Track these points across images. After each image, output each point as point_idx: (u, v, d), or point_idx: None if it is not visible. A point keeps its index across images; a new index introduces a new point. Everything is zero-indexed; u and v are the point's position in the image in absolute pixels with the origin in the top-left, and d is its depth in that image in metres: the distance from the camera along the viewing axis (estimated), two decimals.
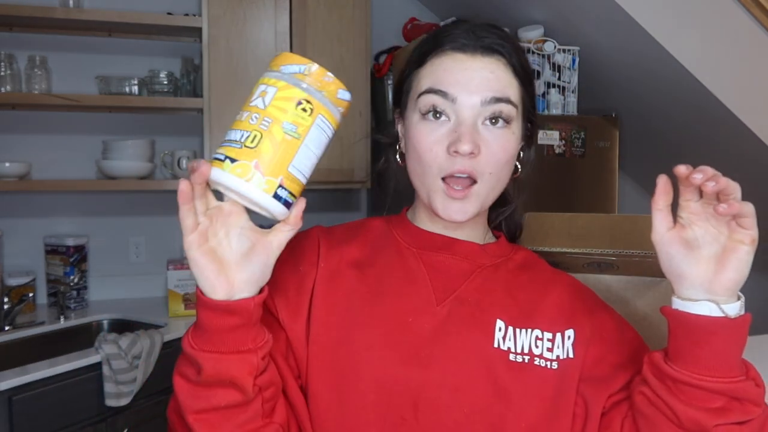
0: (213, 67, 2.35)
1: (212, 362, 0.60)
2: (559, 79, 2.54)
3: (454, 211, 0.73)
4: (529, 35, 2.51)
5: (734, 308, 0.64)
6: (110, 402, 1.82)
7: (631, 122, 2.80)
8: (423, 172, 0.74)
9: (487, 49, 0.73)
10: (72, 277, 2.34)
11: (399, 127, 0.82)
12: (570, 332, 0.75)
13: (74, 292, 2.36)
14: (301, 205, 0.64)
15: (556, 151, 2.42)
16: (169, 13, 2.41)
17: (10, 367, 1.68)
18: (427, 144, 0.72)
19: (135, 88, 2.42)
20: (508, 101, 0.72)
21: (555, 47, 2.49)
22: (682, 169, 0.64)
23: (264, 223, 0.64)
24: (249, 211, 0.63)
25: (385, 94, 2.62)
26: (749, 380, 0.63)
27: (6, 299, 2.13)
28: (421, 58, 0.76)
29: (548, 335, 0.75)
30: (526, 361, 0.73)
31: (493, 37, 0.74)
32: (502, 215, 0.89)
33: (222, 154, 0.59)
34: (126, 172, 2.33)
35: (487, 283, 0.78)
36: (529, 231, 1.39)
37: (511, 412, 0.71)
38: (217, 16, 2.34)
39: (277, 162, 0.59)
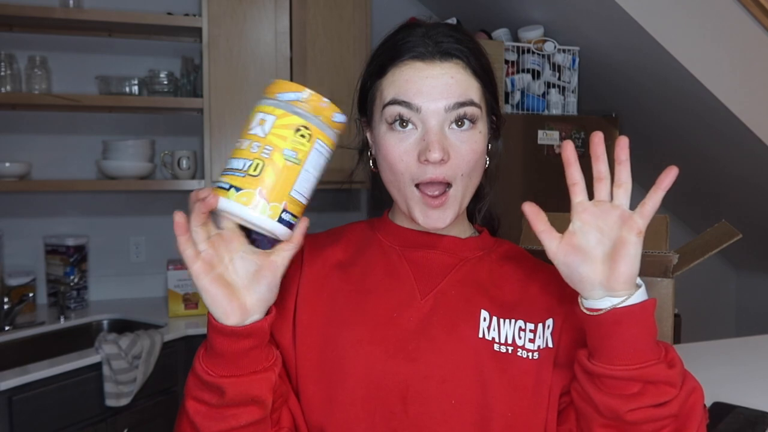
0: (213, 67, 2.35)
1: (235, 386, 0.63)
2: (559, 79, 2.54)
3: (434, 220, 0.75)
4: (529, 35, 2.51)
5: (634, 298, 0.65)
6: (110, 402, 1.82)
7: (631, 122, 2.80)
8: (397, 181, 0.75)
9: (446, 54, 0.74)
10: (72, 277, 2.34)
11: (367, 134, 0.84)
12: (549, 321, 0.77)
13: (74, 292, 2.36)
14: (303, 225, 0.66)
15: (556, 151, 2.42)
16: (169, 13, 2.41)
17: (10, 367, 1.68)
18: (398, 154, 0.74)
19: (135, 88, 2.42)
20: (471, 103, 0.74)
21: (555, 47, 2.48)
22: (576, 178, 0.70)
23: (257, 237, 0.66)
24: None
25: None
26: (661, 363, 0.64)
27: (6, 299, 2.13)
28: (381, 68, 0.77)
29: (530, 326, 0.77)
30: (510, 351, 0.75)
31: (450, 41, 0.75)
32: (481, 210, 0.91)
33: (226, 182, 0.61)
34: (126, 172, 2.33)
35: (470, 275, 0.80)
36: (529, 231, 1.39)
37: (496, 402, 0.72)
38: (217, 16, 2.35)
39: (280, 188, 0.62)
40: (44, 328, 2.12)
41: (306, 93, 0.63)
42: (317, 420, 0.73)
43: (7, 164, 2.20)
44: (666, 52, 2.17)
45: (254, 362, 0.64)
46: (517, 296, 0.79)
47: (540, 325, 0.77)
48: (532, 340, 0.76)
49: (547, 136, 2.40)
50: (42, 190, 2.42)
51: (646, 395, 0.64)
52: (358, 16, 2.54)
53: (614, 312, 0.64)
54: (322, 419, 0.73)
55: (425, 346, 0.74)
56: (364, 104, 0.82)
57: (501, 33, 2.55)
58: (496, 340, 0.75)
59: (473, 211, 0.91)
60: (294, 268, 0.79)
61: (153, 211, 2.61)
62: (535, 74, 2.50)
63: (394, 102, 0.73)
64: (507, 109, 2.47)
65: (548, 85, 2.52)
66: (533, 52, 2.49)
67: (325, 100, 0.64)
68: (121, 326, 2.23)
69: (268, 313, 0.65)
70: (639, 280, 0.67)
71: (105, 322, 2.29)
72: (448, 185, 0.74)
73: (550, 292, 0.80)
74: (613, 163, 0.71)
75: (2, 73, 2.24)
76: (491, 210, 0.94)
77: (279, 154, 0.62)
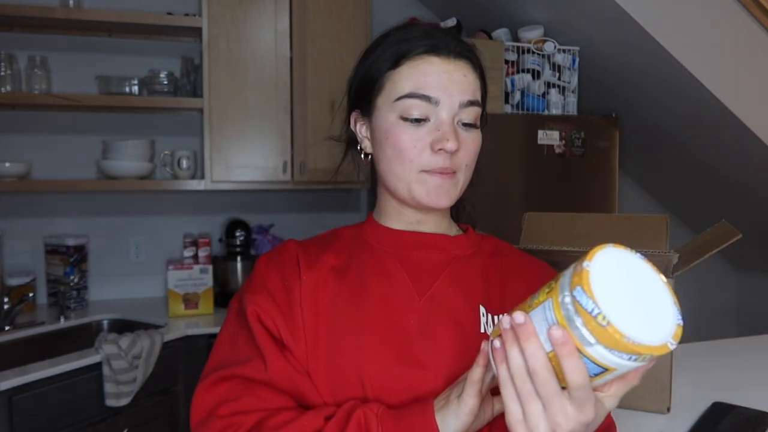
0: (213, 67, 2.35)
1: None
2: (559, 79, 2.54)
3: (438, 197, 0.76)
4: (529, 35, 2.51)
5: None
6: (110, 402, 1.82)
7: (631, 122, 2.80)
8: (402, 168, 0.76)
9: (458, 54, 0.77)
10: (72, 277, 2.34)
11: (358, 128, 0.83)
12: None
13: (74, 292, 2.36)
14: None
15: (556, 151, 2.42)
16: (169, 13, 2.41)
17: (10, 367, 1.68)
18: (410, 141, 0.75)
19: (135, 88, 2.42)
20: (478, 103, 0.78)
21: (555, 47, 2.48)
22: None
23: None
24: None
25: None
26: None
27: (6, 299, 2.13)
28: (393, 60, 0.77)
29: None
30: None
31: (458, 43, 0.78)
32: (464, 208, 0.92)
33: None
34: (126, 172, 2.33)
35: (464, 272, 0.80)
36: (529, 231, 1.39)
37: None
38: (217, 16, 2.35)
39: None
40: (44, 328, 2.12)
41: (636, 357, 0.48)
42: None
43: (7, 164, 2.20)
44: (666, 52, 2.17)
45: None
46: (506, 291, 0.80)
47: None
48: None
49: (547, 136, 2.40)
50: (42, 190, 2.42)
51: None
52: (358, 16, 2.55)
53: None
54: None
55: (430, 347, 0.74)
56: (360, 97, 0.81)
57: (501, 33, 2.55)
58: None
59: (456, 213, 0.91)
60: (294, 275, 0.79)
61: (153, 211, 2.61)
62: (535, 74, 2.50)
63: (413, 95, 0.75)
64: (507, 109, 2.47)
65: (548, 85, 2.52)
66: (533, 52, 2.49)
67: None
68: (121, 326, 2.23)
69: None
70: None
71: (105, 322, 2.29)
72: (453, 172, 0.77)
73: (537, 287, 0.80)
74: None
75: (2, 73, 2.24)
76: (471, 210, 0.95)
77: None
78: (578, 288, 0.48)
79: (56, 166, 2.43)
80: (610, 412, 0.66)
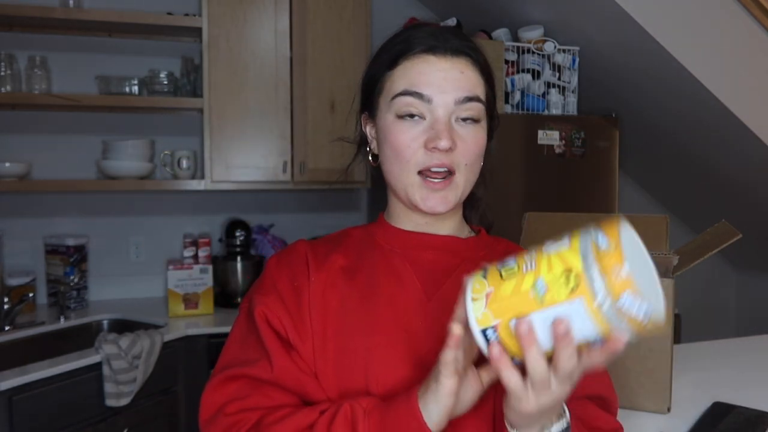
0: (213, 67, 2.35)
1: None
2: (559, 79, 2.54)
3: (435, 202, 0.76)
4: (529, 35, 2.51)
5: None
6: (110, 402, 1.82)
7: (631, 122, 2.80)
8: (400, 168, 0.77)
9: (456, 51, 0.76)
10: (72, 277, 2.34)
11: (368, 129, 0.84)
12: None
13: (74, 292, 2.36)
14: (494, 352, 0.57)
15: (556, 151, 2.42)
16: (169, 13, 2.41)
17: (10, 367, 1.68)
18: (405, 141, 0.75)
19: (135, 88, 2.42)
20: (478, 99, 0.77)
21: (555, 47, 2.48)
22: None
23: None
24: None
25: None
26: None
27: (6, 299, 2.13)
28: (392, 60, 0.78)
29: None
30: None
31: (458, 40, 0.78)
32: (477, 209, 0.93)
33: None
34: (126, 172, 2.33)
35: None
36: (529, 231, 1.39)
37: (498, 397, 0.71)
38: (217, 16, 2.35)
39: (505, 306, 0.54)
40: (44, 328, 2.12)
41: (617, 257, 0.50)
42: None
43: (7, 164, 2.20)
44: (666, 52, 2.17)
45: None
46: None
47: None
48: None
49: (547, 136, 2.40)
50: (42, 190, 2.42)
51: None
52: (358, 16, 2.55)
53: None
54: None
55: (437, 350, 0.72)
56: (367, 98, 0.83)
57: (501, 33, 2.55)
58: None
59: (469, 214, 0.92)
60: (303, 276, 0.79)
61: (153, 211, 2.61)
62: (535, 74, 2.50)
63: (406, 93, 0.75)
64: (507, 109, 2.47)
65: (548, 85, 2.52)
66: (533, 52, 2.49)
67: (630, 278, 0.50)
68: (121, 326, 2.23)
69: None
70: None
71: (105, 322, 2.29)
72: (451, 173, 0.76)
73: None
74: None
75: (2, 73, 2.24)
76: (486, 211, 0.95)
77: (531, 276, 0.53)
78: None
79: (56, 166, 2.43)
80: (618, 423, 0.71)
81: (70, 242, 2.36)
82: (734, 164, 2.60)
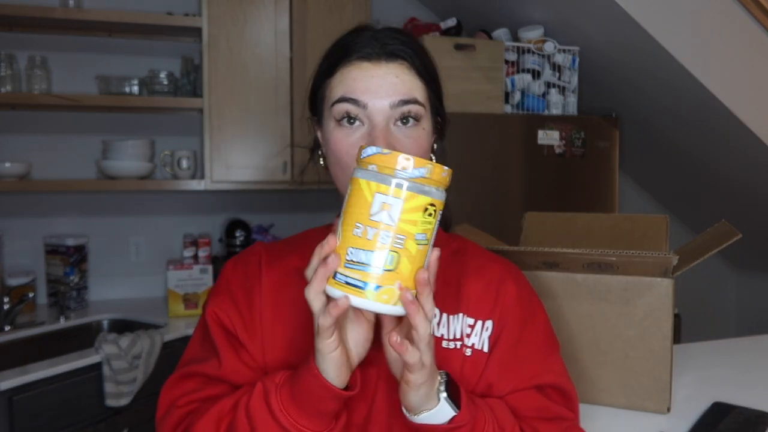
0: (213, 67, 2.35)
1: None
2: (559, 79, 2.54)
3: None
4: (529, 35, 2.51)
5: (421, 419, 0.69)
6: (110, 402, 1.82)
7: (631, 122, 2.80)
8: (343, 174, 0.78)
9: (391, 55, 0.77)
10: (72, 277, 2.34)
11: (318, 134, 0.86)
12: (489, 323, 0.81)
13: (74, 292, 2.36)
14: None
15: (556, 151, 2.42)
16: (169, 13, 2.41)
17: (10, 367, 1.68)
18: (345, 147, 0.77)
19: (135, 88, 2.42)
20: (415, 102, 0.77)
21: (555, 47, 2.48)
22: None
23: None
24: None
25: None
26: None
27: (6, 299, 2.13)
28: (330, 68, 0.80)
29: (470, 321, 0.81)
30: (458, 347, 0.80)
31: (396, 43, 0.78)
32: None
33: (358, 279, 0.58)
34: (126, 172, 2.33)
35: None
36: (529, 231, 1.39)
37: None
38: (217, 16, 2.34)
39: (413, 272, 0.60)
40: (44, 328, 2.12)
41: (429, 167, 0.58)
42: None
43: (7, 164, 2.20)
44: (666, 52, 2.17)
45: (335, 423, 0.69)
46: (462, 290, 0.82)
47: (479, 323, 0.81)
48: (468, 336, 0.80)
49: (547, 136, 2.40)
50: (42, 190, 2.42)
51: None
52: (358, 16, 2.54)
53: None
54: None
55: (381, 346, 0.75)
56: (314, 104, 0.85)
57: (501, 33, 2.55)
58: (445, 336, 0.79)
59: None
60: (254, 276, 0.83)
61: (153, 211, 2.61)
62: (535, 74, 2.50)
63: (343, 99, 0.76)
64: (507, 109, 2.47)
65: (548, 85, 2.52)
66: (533, 52, 2.49)
67: (446, 168, 0.60)
68: (121, 326, 2.23)
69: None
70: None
71: (105, 322, 2.29)
72: None
73: (493, 290, 0.83)
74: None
75: (2, 73, 2.24)
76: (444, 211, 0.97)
77: (412, 242, 0.58)
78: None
79: (56, 166, 2.43)
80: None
81: (70, 242, 2.36)
82: (734, 164, 2.60)
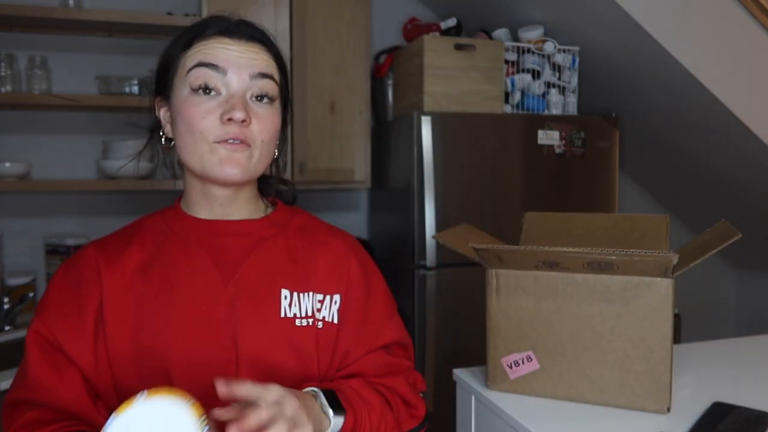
0: None
1: None
2: (559, 79, 2.54)
3: (231, 166, 0.77)
4: (529, 35, 2.51)
5: None
6: None
7: (631, 122, 2.80)
8: (194, 141, 0.77)
9: (251, 37, 0.80)
10: None
11: (161, 113, 0.85)
12: (337, 297, 0.85)
13: None
14: None
15: (556, 151, 2.42)
16: (169, 13, 2.41)
17: (10, 367, 1.68)
18: (199, 114, 0.76)
19: (135, 88, 2.42)
20: (272, 78, 0.80)
21: (555, 47, 2.48)
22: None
23: None
24: None
25: (385, 93, 2.62)
26: None
27: (6, 299, 2.13)
28: (187, 42, 0.80)
29: (319, 296, 0.84)
30: (310, 323, 0.82)
31: (253, 29, 0.82)
32: (270, 188, 0.94)
33: None
34: (126, 172, 2.33)
35: (269, 255, 0.84)
36: (529, 231, 1.39)
37: (306, 369, 0.81)
38: None
39: None
40: None
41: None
42: None
43: (7, 164, 2.20)
44: (666, 53, 2.17)
45: None
46: (310, 268, 0.85)
47: (328, 297, 0.84)
48: (318, 310, 0.83)
49: (547, 136, 2.40)
50: (42, 190, 2.42)
51: None
52: (357, 16, 2.54)
53: None
54: None
55: (234, 333, 0.77)
56: (161, 81, 0.84)
57: (501, 33, 2.55)
58: (297, 315, 0.81)
59: (266, 190, 0.94)
60: (92, 283, 0.79)
61: (153, 211, 2.61)
62: (535, 74, 2.50)
63: (201, 64, 0.77)
64: (507, 109, 2.47)
65: (548, 85, 2.52)
66: (533, 52, 2.49)
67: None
68: None
69: None
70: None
71: None
72: (248, 146, 0.78)
73: (339, 265, 0.87)
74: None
75: (2, 73, 2.23)
76: (284, 188, 0.98)
77: None
78: None
79: (56, 166, 2.43)
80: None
81: (70, 242, 2.36)
82: (734, 164, 2.60)
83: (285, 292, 0.81)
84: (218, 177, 0.78)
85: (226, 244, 0.83)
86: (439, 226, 2.23)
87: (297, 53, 2.46)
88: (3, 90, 2.23)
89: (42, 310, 0.80)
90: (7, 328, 2.07)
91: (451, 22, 2.52)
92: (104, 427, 0.59)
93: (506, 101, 2.47)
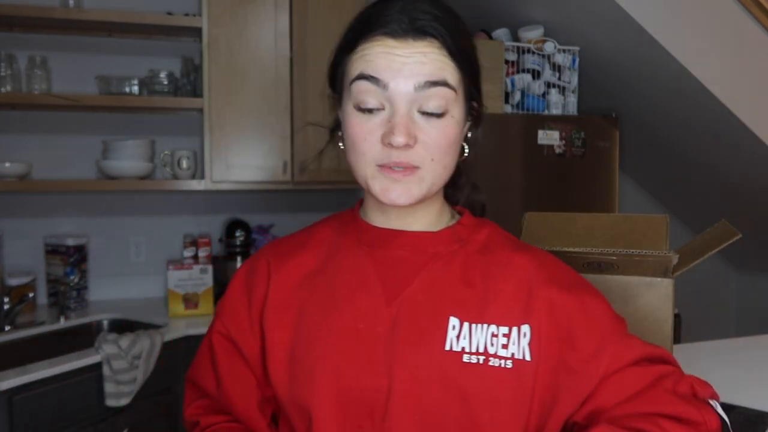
0: (213, 67, 2.35)
1: None
2: (559, 79, 2.54)
3: (396, 194, 0.69)
4: (529, 35, 2.51)
5: None
6: (110, 402, 1.82)
7: (631, 122, 2.80)
8: (357, 161, 0.71)
9: (420, 32, 0.68)
10: (72, 277, 2.34)
11: (339, 113, 0.77)
12: (526, 328, 0.71)
13: (74, 292, 2.36)
14: None
15: (556, 151, 2.42)
16: (169, 13, 2.41)
17: (10, 367, 1.68)
18: (362, 134, 0.69)
19: (135, 88, 2.42)
20: (444, 84, 0.68)
21: (555, 47, 2.48)
22: None
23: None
24: None
25: None
26: None
27: (6, 299, 2.13)
28: (351, 42, 0.73)
29: (504, 330, 0.71)
30: (481, 361, 0.69)
31: (427, 18, 0.69)
32: (460, 193, 0.85)
33: None
34: (126, 172, 2.33)
35: (441, 275, 0.74)
36: (529, 231, 1.39)
37: (473, 415, 0.69)
38: (217, 16, 2.34)
39: None
40: (44, 328, 2.12)
41: None
42: None
43: (7, 164, 2.20)
44: (666, 52, 2.17)
45: None
46: (489, 295, 0.73)
47: (514, 330, 0.71)
48: (505, 346, 0.70)
49: (547, 136, 2.40)
50: (42, 190, 2.42)
51: None
52: None
53: None
54: None
55: (390, 360, 0.71)
56: (334, 80, 0.77)
57: (501, 33, 2.55)
58: (466, 349, 0.70)
59: (455, 195, 0.85)
60: (260, 282, 0.79)
61: (153, 211, 2.61)
62: (535, 74, 2.50)
63: (361, 77, 0.69)
64: (507, 109, 2.47)
65: (548, 85, 2.52)
66: (533, 52, 2.49)
67: None
68: (121, 326, 2.22)
69: None
70: None
71: (105, 322, 2.29)
72: (415, 168, 0.70)
73: (526, 287, 0.73)
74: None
75: (2, 73, 2.23)
76: (477, 195, 0.88)
77: None
78: None
79: (56, 166, 2.43)
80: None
81: (70, 242, 2.36)
82: (734, 164, 2.60)
83: (454, 321, 0.71)
84: (383, 201, 0.71)
85: (396, 258, 0.75)
86: None
87: (297, 53, 2.46)
88: (3, 90, 2.23)
89: (220, 312, 0.84)
90: (7, 328, 2.07)
91: None
92: None
93: (506, 101, 2.47)
